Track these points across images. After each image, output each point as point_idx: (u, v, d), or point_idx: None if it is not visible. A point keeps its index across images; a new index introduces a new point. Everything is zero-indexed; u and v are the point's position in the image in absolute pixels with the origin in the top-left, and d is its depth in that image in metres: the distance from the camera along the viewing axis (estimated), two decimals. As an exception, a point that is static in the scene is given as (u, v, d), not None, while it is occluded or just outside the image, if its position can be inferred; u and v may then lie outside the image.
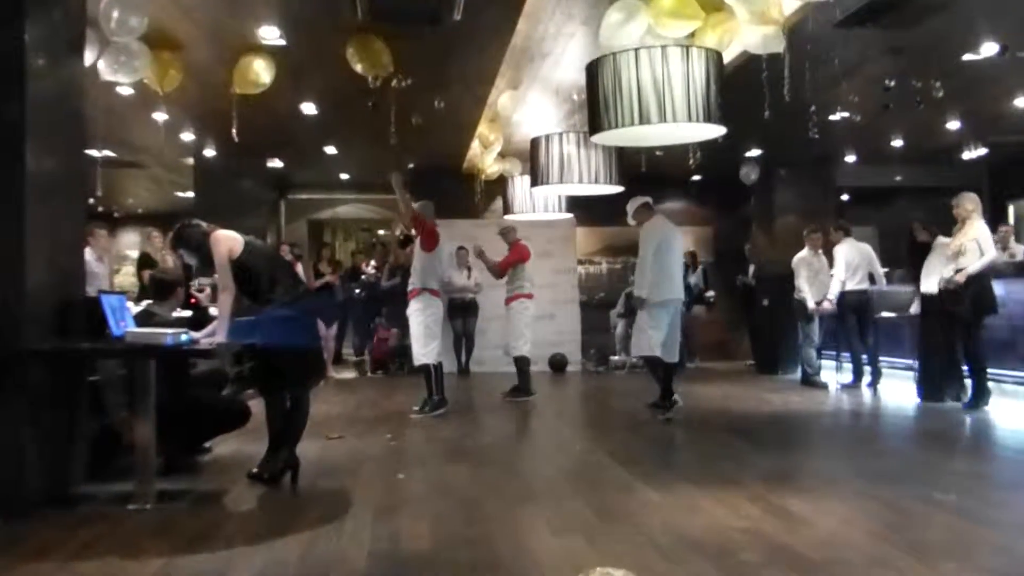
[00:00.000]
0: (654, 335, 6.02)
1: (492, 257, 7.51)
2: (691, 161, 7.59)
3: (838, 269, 7.94)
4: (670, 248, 6.09)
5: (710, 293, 10.81)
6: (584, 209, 9.69)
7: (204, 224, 4.13)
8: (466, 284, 9.69)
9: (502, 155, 9.51)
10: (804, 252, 8.26)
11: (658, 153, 8.22)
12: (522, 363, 7.39)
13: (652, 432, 5.59)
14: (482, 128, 8.84)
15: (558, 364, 10.14)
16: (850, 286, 7.93)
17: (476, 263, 9.52)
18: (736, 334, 11.02)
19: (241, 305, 4.05)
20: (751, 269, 10.29)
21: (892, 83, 6.79)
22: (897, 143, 10.07)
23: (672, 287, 6.12)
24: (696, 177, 12.01)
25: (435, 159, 10.25)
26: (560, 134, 6.91)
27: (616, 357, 10.17)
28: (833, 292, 7.93)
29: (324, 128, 9.05)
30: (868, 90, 7.38)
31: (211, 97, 7.22)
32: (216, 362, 4.79)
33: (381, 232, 14.88)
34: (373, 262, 10.76)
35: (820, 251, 8.21)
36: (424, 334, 6.19)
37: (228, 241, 4.06)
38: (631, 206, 6.25)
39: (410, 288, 6.32)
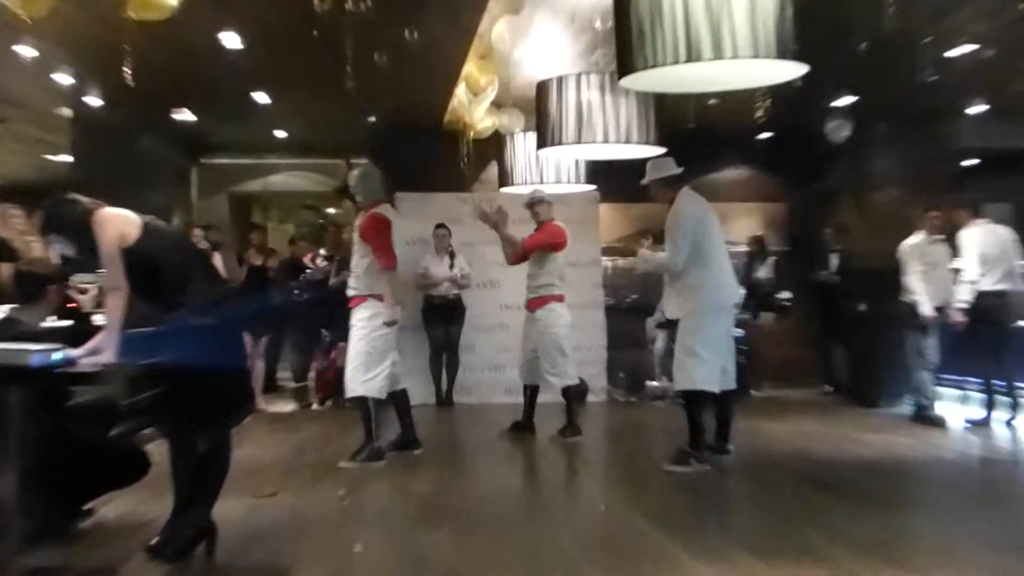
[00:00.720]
0: (704, 360, 6.03)
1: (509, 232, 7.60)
2: (758, 114, 7.59)
3: (967, 263, 8.05)
4: (708, 233, 6.20)
5: (784, 294, 10.85)
6: (609, 179, 9.66)
7: (85, 200, 4.15)
8: (449, 275, 9.71)
9: (497, 105, 9.55)
10: (917, 237, 8.33)
11: (712, 102, 8.24)
12: (575, 395, 7.60)
13: (702, 485, 5.60)
14: (470, 68, 8.84)
15: (577, 393, 10.14)
16: (984, 286, 7.98)
17: (466, 248, 9.71)
18: (816, 350, 11.03)
19: (137, 311, 4.04)
20: (834, 261, 10.34)
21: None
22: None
23: (725, 286, 6.16)
24: (764, 135, 12.04)
25: (406, 112, 10.26)
26: (577, 76, 6.92)
27: (654, 383, 10.19)
28: (961, 295, 8.01)
29: (253, 68, 9.06)
30: (1005, 12, 7.31)
31: (97, 25, 7.20)
32: (103, 390, 4.79)
33: (331, 211, 14.95)
34: (322, 251, 10.76)
35: (939, 237, 8.30)
36: (366, 354, 6.32)
37: (119, 223, 4.08)
38: (655, 169, 6.34)
39: (351, 293, 6.46)
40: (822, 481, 5.66)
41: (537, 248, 7.58)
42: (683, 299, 6.23)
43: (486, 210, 7.59)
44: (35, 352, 3.70)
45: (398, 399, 6.74)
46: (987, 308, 7.91)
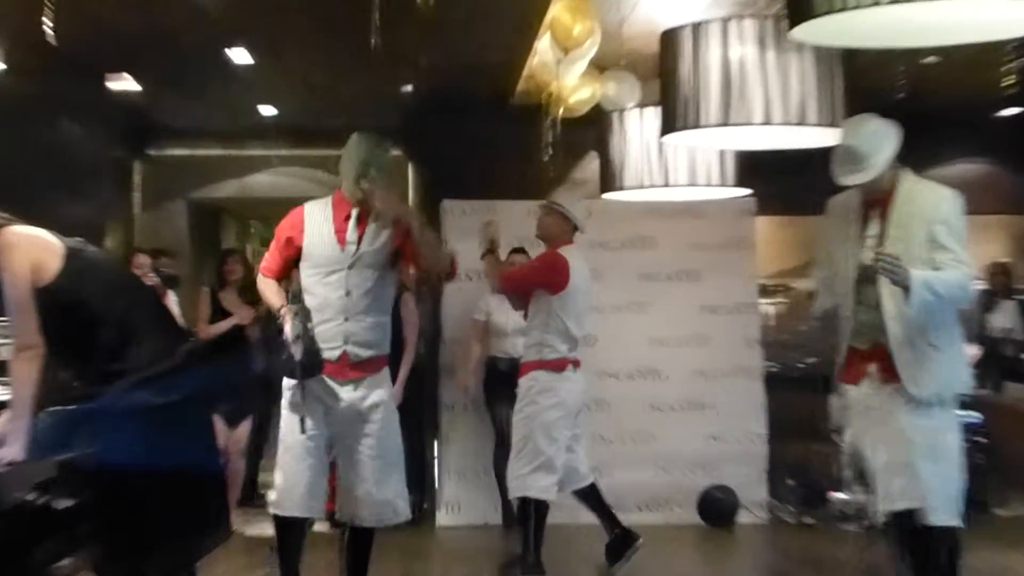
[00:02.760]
0: (944, 466, 5.83)
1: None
2: (1004, 81, 7.45)
3: None
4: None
5: None
6: (772, 184, 9.58)
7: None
8: (516, 325, 9.60)
9: (599, 68, 9.61)
10: None
11: (929, 61, 8.34)
12: (528, 514, 7.60)
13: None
14: (559, 11, 8.92)
15: (720, 509, 10.03)
16: None
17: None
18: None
19: (57, 381, 4.09)
20: None
21: None
22: None
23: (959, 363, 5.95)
24: (1011, 112, 11.95)
25: (459, 77, 10.40)
26: (723, 23, 6.90)
27: (842, 495, 9.99)
28: None
29: (228, 12, 9.14)
30: None
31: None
32: (6, 495, 4.82)
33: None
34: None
35: None
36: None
37: (31, 251, 4.15)
38: (870, 139, 6.03)
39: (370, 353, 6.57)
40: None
41: (520, 286, 7.67)
42: (932, 365, 5.90)
43: (493, 232, 7.82)
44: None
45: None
46: None
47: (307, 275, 6.13)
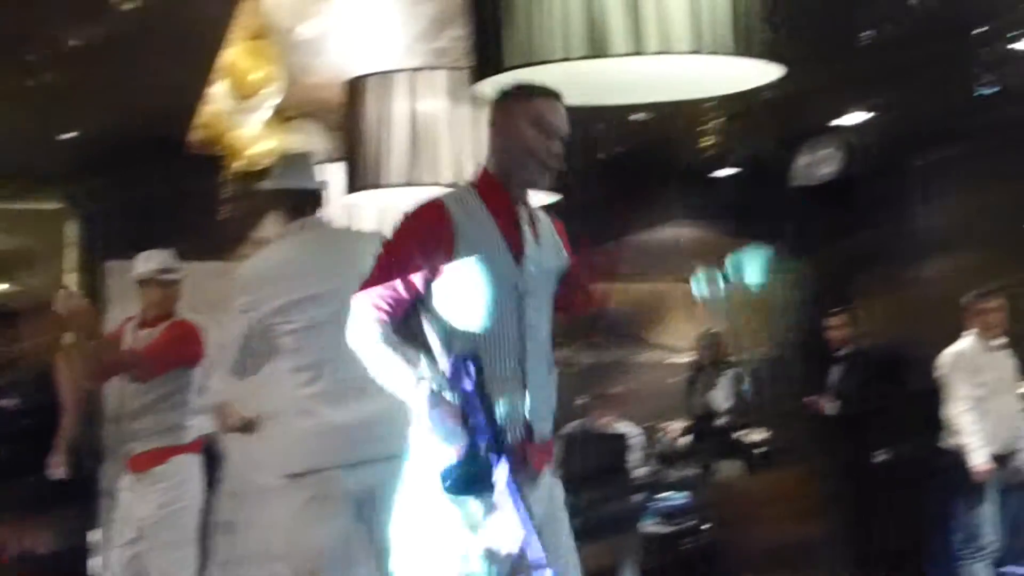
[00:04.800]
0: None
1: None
2: (708, 140, 7.58)
3: None
4: None
5: (756, 431, 11.10)
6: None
7: None
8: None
9: (283, 116, 9.70)
10: (965, 343, 8.69)
11: (639, 117, 8.42)
12: None
13: None
14: (236, 55, 8.99)
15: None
16: None
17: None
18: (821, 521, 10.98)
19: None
20: (834, 374, 10.49)
21: None
22: None
23: None
24: (726, 172, 12.25)
25: (127, 124, 10.02)
26: (412, 73, 6.91)
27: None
28: None
29: None
30: None
31: None
32: None
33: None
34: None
35: (1000, 341, 8.66)
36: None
37: None
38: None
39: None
40: None
41: (161, 362, 7.16)
42: None
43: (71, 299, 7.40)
44: None
45: None
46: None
47: (458, 313, 4.07)
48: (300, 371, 5.69)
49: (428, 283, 3.94)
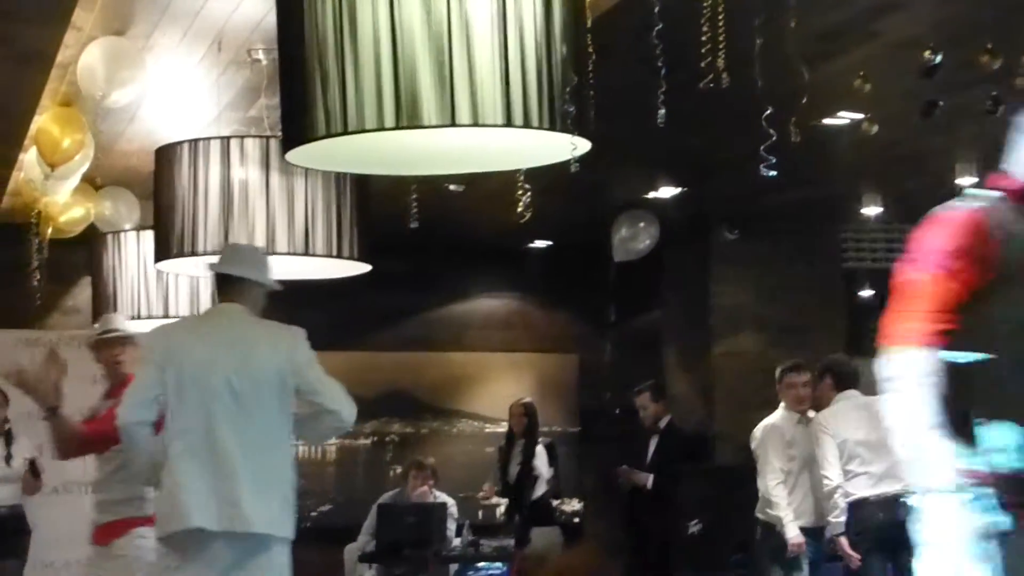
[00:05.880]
0: None
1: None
2: (520, 210, 7.74)
3: (825, 459, 8.31)
4: None
5: (570, 502, 11.21)
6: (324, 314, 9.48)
7: None
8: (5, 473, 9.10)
9: (93, 185, 9.66)
10: (777, 416, 8.80)
11: (452, 188, 8.49)
12: None
13: None
14: (45, 122, 8.80)
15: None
16: (867, 490, 8.11)
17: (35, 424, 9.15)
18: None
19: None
20: (651, 445, 10.49)
21: (938, 59, 7.04)
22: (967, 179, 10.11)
23: None
24: (540, 245, 12.27)
25: None
26: (224, 141, 6.95)
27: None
28: (834, 510, 8.26)
29: None
30: (898, 69, 7.63)
31: None
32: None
33: None
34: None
35: (810, 413, 8.70)
36: None
37: None
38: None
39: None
40: None
41: (98, 436, 6.89)
42: None
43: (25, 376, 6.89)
44: None
45: None
46: (879, 526, 8.02)
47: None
48: None
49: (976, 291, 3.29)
